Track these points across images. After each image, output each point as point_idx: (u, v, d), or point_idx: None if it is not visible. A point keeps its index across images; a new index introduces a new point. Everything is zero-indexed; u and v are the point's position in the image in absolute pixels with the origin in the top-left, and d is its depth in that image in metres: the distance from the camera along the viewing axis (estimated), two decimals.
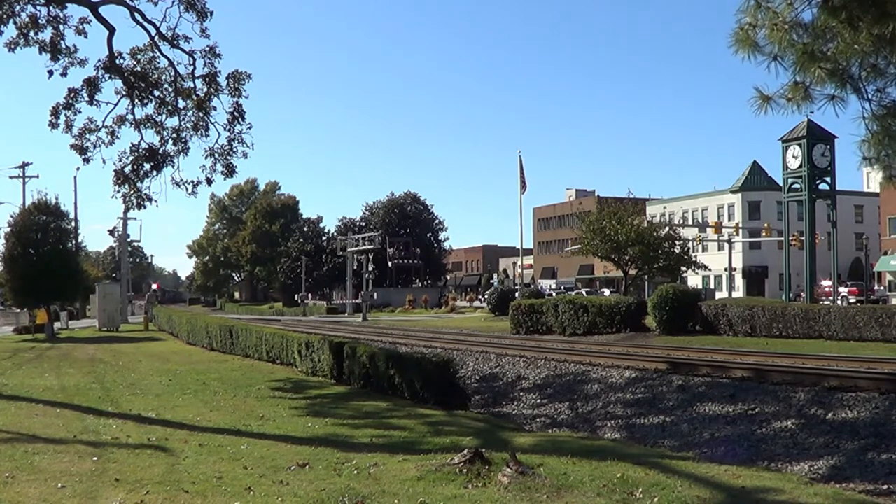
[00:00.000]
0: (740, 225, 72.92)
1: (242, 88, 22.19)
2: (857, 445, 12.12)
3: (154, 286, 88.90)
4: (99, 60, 21.75)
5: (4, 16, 19.99)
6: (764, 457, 12.52)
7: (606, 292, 72.52)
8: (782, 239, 46.94)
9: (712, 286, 74.38)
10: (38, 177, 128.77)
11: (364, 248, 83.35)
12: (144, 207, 22.88)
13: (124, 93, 22.05)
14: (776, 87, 8.28)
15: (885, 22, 7.09)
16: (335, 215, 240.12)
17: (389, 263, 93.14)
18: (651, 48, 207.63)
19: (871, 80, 8.12)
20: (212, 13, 21.21)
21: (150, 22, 21.15)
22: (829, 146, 39.43)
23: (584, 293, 63.66)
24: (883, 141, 8.49)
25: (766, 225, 65.79)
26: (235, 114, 22.17)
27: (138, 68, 22.28)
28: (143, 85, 22.21)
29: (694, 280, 67.98)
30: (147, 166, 22.35)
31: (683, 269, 53.41)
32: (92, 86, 21.64)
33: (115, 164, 22.22)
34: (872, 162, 8.90)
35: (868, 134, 8.51)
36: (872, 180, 68.45)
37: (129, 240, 76.23)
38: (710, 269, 63.71)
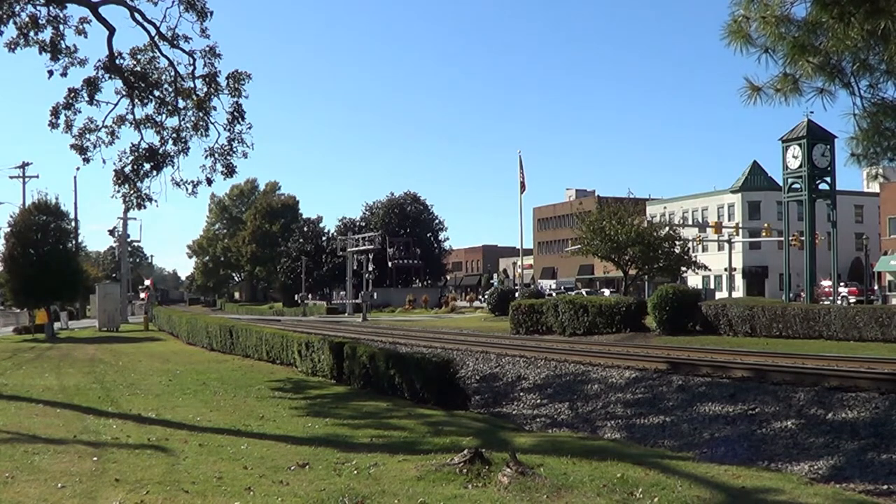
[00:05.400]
0: (740, 225, 72.91)
1: (242, 88, 22.25)
2: (857, 445, 12.11)
3: (147, 282, 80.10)
4: (99, 60, 21.81)
5: (4, 16, 19.99)
6: (764, 457, 12.52)
7: (606, 292, 72.47)
8: (782, 239, 46.95)
9: (712, 286, 74.33)
10: (38, 177, 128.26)
11: (364, 248, 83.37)
12: (144, 207, 22.93)
13: (124, 93, 22.06)
14: (766, 79, 8.33)
15: (878, 18, 7.07)
16: (335, 215, 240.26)
17: (389, 263, 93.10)
18: (651, 48, 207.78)
19: (863, 76, 8.12)
20: (212, 13, 21.27)
21: (150, 22, 21.18)
22: (829, 146, 39.40)
23: (584, 293, 63.61)
24: (872, 138, 8.48)
25: (766, 225, 65.77)
26: (235, 114, 22.19)
27: (138, 68, 22.30)
28: (143, 85, 22.22)
29: (694, 280, 67.98)
30: (147, 166, 22.37)
31: (683, 269, 53.42)
32: (92, 86, 21.64)
33: (115, 164, 22.28)
34: (860, 159, 8.88)
35: (857, 131, 8.50)
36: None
37: (129, 240, 76.10)
38: (710, 269, 63.70)
